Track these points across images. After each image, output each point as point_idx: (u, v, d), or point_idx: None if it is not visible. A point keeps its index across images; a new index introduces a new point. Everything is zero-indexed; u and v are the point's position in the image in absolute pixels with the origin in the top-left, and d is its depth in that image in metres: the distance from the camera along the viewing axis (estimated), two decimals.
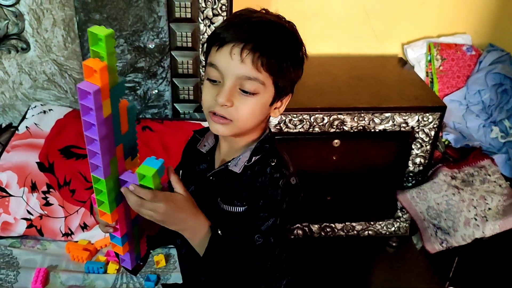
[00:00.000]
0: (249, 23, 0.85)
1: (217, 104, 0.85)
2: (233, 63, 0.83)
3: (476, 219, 1.71)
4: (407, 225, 2.09)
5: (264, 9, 0.90)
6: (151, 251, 1.08)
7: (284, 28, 0.87)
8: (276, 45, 0.84)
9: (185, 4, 1.69)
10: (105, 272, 1.38)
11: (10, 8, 1.69)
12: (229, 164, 0.93)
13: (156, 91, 1.85)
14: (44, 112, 1.72)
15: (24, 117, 1.71)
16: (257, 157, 0.91)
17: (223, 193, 0.94)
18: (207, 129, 1.02)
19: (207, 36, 0.91)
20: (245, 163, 0.91)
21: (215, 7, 1.70)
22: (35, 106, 1.75)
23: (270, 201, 0.88)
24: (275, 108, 0.92)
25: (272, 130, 1.75)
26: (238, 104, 0.85)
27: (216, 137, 1.00)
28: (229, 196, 0.93)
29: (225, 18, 1.71)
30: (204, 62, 1.80)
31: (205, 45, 0.90)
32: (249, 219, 0.89)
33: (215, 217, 0.91)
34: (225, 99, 0.84)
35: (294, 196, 0.92)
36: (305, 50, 0.90)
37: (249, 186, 0.90)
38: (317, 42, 2.18)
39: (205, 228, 0.87)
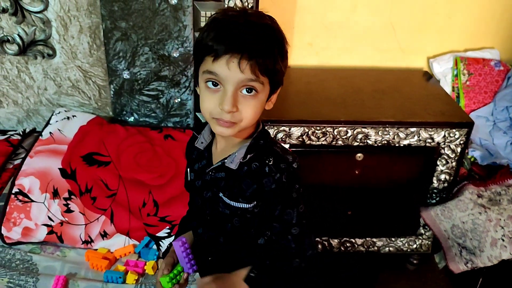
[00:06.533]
0: (239, 30, 0.86)
1: (223, 112, 0.88)
2: (232, 72, 0.86)
3: (503, 240, 1.65)
4: (429, 242, 2.03)
5: (243, 8, 0.93)
6: None
7: (270, 27, 0.90)
8: (268, 48, 0.87)
9: (210, 13, 1.68)
10: (124, 282, 1.36)
11: (38, 15, 1.71)
12: (225, 161, 0.98)
13: (179, 99, 1.84)
14: (68, 118, 1.73)
15: (48, 123, 1.72)
16: (252, 154, 0.96)
17: (225, 188, 1.00)
18: (203, 125, 1.07)
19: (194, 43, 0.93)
20: (241, 160, 0.96)
21: None
22: (59, 112, 1.76)
23: (287, 200, 0.96)
24: (268, 101, 0.96)
25: (294, 142, 1.75)
26: (242, 107, 0.89)
27: (213, 133, 1.05)
28: (232, 192, 0.99)
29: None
30: None
31: (193, 51, 0.96)
32: (273, 219, 0.98)
33: (219, 209, 1.01)
34: (230, 106, 0.87)
35: (300, 177, 0.99)
36: (286, 40, 0.93)
37: (252, 187, 0.96)
38: (341, 54, 2.16)
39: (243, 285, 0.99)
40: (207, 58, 0.88)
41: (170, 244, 1.20)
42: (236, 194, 0.98)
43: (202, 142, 1.05)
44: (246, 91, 0.88)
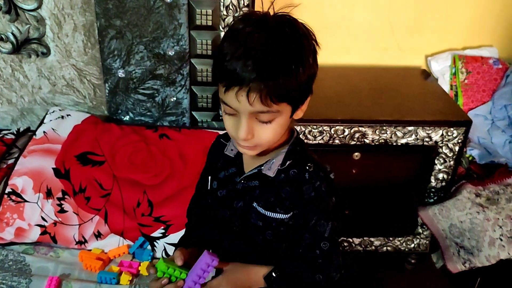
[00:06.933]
0: (249, 53, 0.79)
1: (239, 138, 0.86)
2: (243, 104, 0.82)
3: (501, 240, 1.64)
4: (427, 242, 2.02)
5: (265, 13, 0.85)
6: None
7: (289, 37, 0.82)
8: (284, 68, 0.80)
9: (206, 11, 1.67)
10: (117, 282, 1.35)
11: (32, 13, 1.69)
12: (262, 168, 0.94)
13: (175, 98, 1.83)
14: (62, 117, 1.71)
15: (42, 122, 1.71)
16: (291, 161, 0.92)
17: (259, 198, 0.95)
18: None
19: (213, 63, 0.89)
20: (279, 167, 0.92)
21: (236, 15, 1.67)
22: (53, 111, 1.74)
23: (323, 211, 0.92)
24: (297, 110, 0.90)
25: None
26: (259, 133, 0.86)
27: None
28: (268, 201, 0.94)
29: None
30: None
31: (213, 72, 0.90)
32: (306, 230, 0.92)
33: (251, 220, 0.95)
34: (244, 134, 0.85)
35: (335, 189, 0.96)
36: (315, 40, 0.86)
37: (292, 195, 0.91)
38: (339, 53, 2.15)
39: (262, 281, 0.95)
40: (220, 84, 0.84)
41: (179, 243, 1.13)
42: (272, 204, 0.93)
43: (232, 150, 1.01)
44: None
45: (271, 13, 0.85)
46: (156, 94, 1.82)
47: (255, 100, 0.80)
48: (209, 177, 1.06)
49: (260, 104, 0.81)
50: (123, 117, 1.87)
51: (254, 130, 0.85)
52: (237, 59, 0.80)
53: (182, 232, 1.44)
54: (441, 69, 2.12)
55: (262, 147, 0.89)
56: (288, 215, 0.93)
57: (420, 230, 1.99)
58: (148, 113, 1.86)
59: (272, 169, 0.92)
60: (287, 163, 0.92)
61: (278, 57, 0.80)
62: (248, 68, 0.78)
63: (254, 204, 0.94)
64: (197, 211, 1.16)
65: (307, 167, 0.90)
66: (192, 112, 1.86)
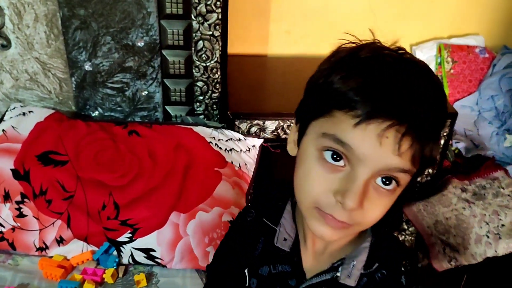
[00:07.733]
0: (402, 89, 0.55)
1: (338, 206, 0.58)
2: (383, 151, 0.55)
3: (488, 237, 1.58)
4: (412, 238, 1.96)
5: (396, 47, 0.64)
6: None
7: (440, 89, 0.60)
8: (437, 126, 0.58)
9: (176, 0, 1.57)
10: None
11: None
12: (338, 275, 0.67)
13: (146, 92, 1.73)
14: (24, 114, 1.60)
15: (1, 119, 1.60)
16: (379, 263, 0.67)
17: None
18: (275, 206, 0.74)
19: (319, 79, 0.63)
20: (362, 271, 0.66)
21: (209, 3, 1.57)
22: (14, 108, 1.63)
23: None
24: None
25: (269, 136, 1.65)
26: (370, 205, 0.59)
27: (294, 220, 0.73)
28: None
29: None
30: (196, 62, 1.70)
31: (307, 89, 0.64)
32: None
33: None
34: (356, 202, 0.57)
35: None
36: None
37: None
38: (319, 42, 2.06)
39: None
40: (338, 114, 0.57)
41: None
42: None
43: (285, 239, 0.71)
44: (383, 181, 0.58)
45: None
46: (126, 88, 1.72)
47: (407, 150, 0.54)
48: (246, 270, 0.76)
49: (409, 159, 0.55)
50: (91, 112, 1.76)
51: (366, 198, 0.58)
52: (389, 83, 0.55)
53: (150, 236, 1.37)
54: (426, 59, 2.05)
55: (352, 231, 0.63)
56: None
57: (405, 226, 1.93)
58: (118, 108, 1.76)
59: (353, 275, 0.66)
60: (375, 266, 0.66)
61: (438, 109, 0.57)
62: (406, 103, 0.53)
63: None
64: None
65: (403, 268, 0.66)
66: (165, 106, 1.76)
